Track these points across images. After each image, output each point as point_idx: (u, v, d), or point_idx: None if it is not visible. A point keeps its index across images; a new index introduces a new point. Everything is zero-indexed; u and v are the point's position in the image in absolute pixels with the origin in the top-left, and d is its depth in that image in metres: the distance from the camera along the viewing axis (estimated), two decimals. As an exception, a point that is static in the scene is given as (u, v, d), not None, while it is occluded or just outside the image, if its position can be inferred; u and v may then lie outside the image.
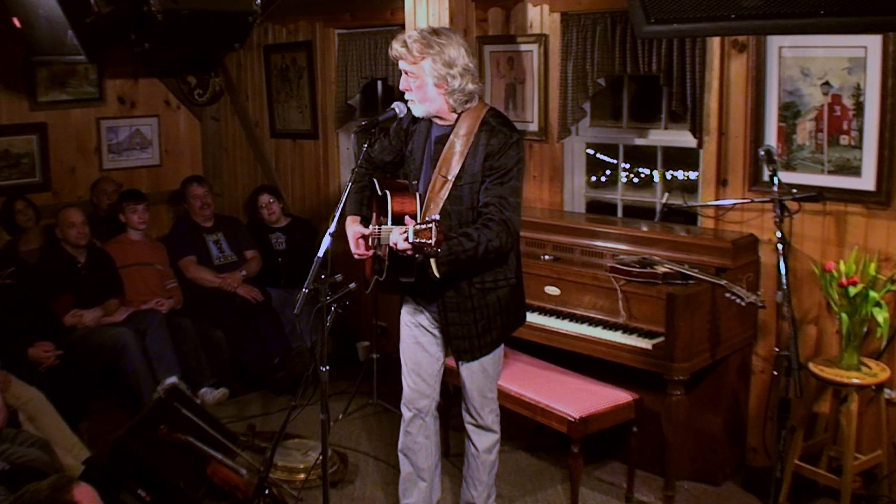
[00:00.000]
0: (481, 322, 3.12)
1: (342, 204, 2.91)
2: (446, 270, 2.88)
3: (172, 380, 4.63)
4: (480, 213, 2.99)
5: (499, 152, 2.97)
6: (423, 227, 2.64)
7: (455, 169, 3.01)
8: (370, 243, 3.20)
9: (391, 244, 2.85)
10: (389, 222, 3.03)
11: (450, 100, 3.01)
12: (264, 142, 6.46)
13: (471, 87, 3.01)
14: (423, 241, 2.62)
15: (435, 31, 3.03)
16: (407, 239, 2.67)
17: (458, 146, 3.01)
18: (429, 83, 2.99)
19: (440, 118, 3.09)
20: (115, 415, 4.80)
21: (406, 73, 3.01)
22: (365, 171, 3.33)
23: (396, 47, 2.99)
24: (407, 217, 2.86)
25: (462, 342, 3.15)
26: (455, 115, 3.06)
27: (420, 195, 3.08)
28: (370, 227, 3.24)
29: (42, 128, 5.90)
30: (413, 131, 3.21)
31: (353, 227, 3.22)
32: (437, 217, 2.69)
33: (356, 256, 3.23)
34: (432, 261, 2.84)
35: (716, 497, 3.85)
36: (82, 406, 4.55)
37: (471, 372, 3.22)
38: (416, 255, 2.83)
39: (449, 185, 3.01)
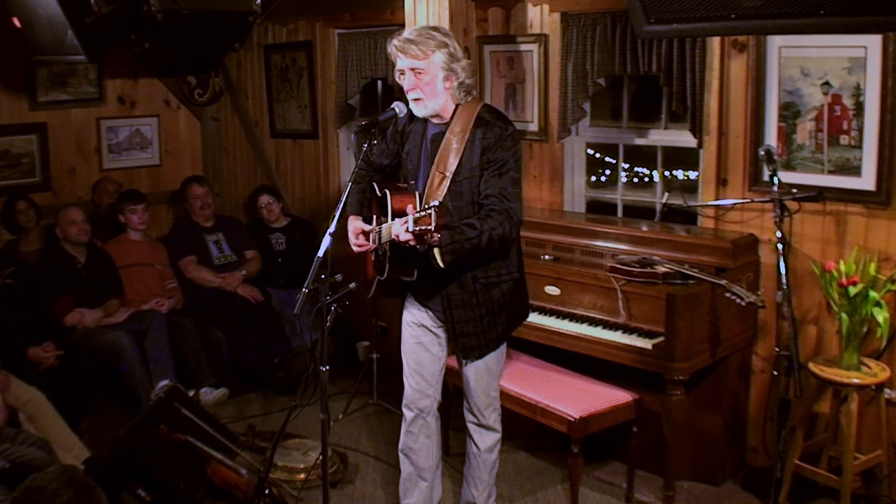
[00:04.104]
0: (487, 318, 3.13)
1: (342, 204, 2.91)
2: (451, 260, 2.87)
3: (164, 383, 4.63)
4: (481, 206, 2.99)
5: (495, 145, 2.99)
6: (423, 213, 2.65)
7: (453, 165, 3.01)
8: (371, 241, 3.21)
9: (393, 235, 2.85)
10: (390, 220, 3.03)
11: (455, 93, 3.04)
12: (264, 142, 6.46)
13: (469, 80, 3.06)
14: (424, 227, 2.63)
15: (434, 28, 3.12)
16: (408, 229, 2.68)
17: (454, 143, 3.03)
18: (439, 77, 3.00)
19: (438, 116, 3.09)
20: (115, 415, 4.81)
21: (413, 70, 2.99)
22: (365, 173, 3.34)
23: (401, 45, 2.99)
24: (409, 207, 2.86)
25: (468, 339, 3.15)
26: (451, 113, 3.07)
27: (419, 193, 3.08)
28: (371, 226, 3.24)
29: (42, 128, 5.90)
30: (409, 132, 3.22)
31: (354, 223, 3.23)
32: (437, 203, 2.68)
33: (355, 249, 3.23)
34: (436, 251, 2.84)
35: (716, 497, 3.85)
36: (82, 406, 4.55)
37: (476, 371, 3.22)
38: (419, 246, 2.83)
39: (447, 182, 3.02)
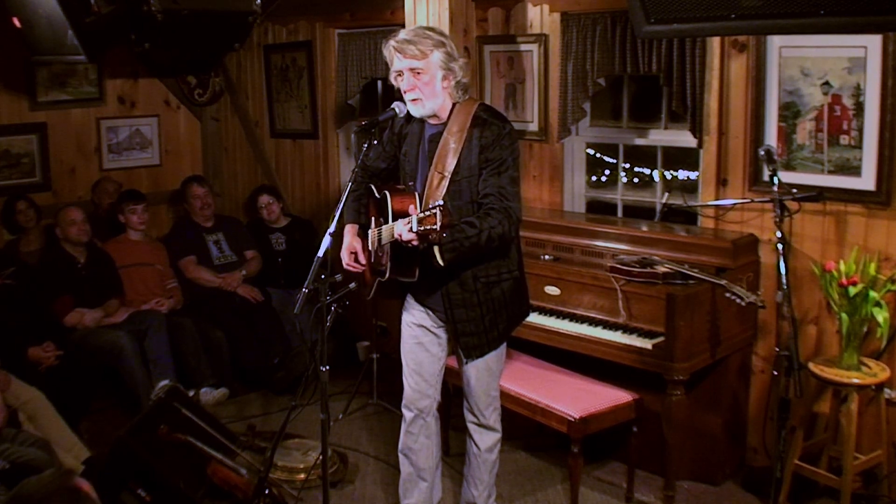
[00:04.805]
0: (488, 316, 3.13)
1: (340, 208, 2.91)
2: (450, 258, 2.87)
3: (164, 383, 4.63)
4: (480, 204, 3.00)
5: (493, 144, 2.99)
6: (428, 213, 2.64)
7: (451, 165, 3.01)
8: (371, 245, 3.21)
9: (396, 235, 2.85)
10: (390, 222, 3.03)
11: (453, 93, 3.04)
12: (264, 142, 6.46)
13: (466, 79, 3.08)
14: (429, 227, 2.63)
15: (429, 28, 3.13)
16: (412, 229, 2.68)
17: (452, 143, 3.03)
18: (438, 76, 3.00)
19: (435, 117, 3.09)
20: (115, 415, 4.81)
21: (412, 70, 2.99)
22: (362, 180, 3.34)
23: (399, 45, 2.98)
24: (411, 207, 2.86)
25: (471, 339, 3.15)
26: (448, 112, 3.07)
27: (419, 194, 3.08)
28: (370, 230, 3.24)
29: (42, 128, 5.90)
30: (406, 134, 3.22)
31: (347, 239, 3.27)
32: (441, 202, 2.68)
33: (346, 267, 3.26)
34: (436, 249, 2.84)
35: (716, 497, 3.85)
36: (82, 406, 4.55)
37: (476, 370, 3.22)
38: (421, 246, 2.83)
39: (446, 182, 3.02)
